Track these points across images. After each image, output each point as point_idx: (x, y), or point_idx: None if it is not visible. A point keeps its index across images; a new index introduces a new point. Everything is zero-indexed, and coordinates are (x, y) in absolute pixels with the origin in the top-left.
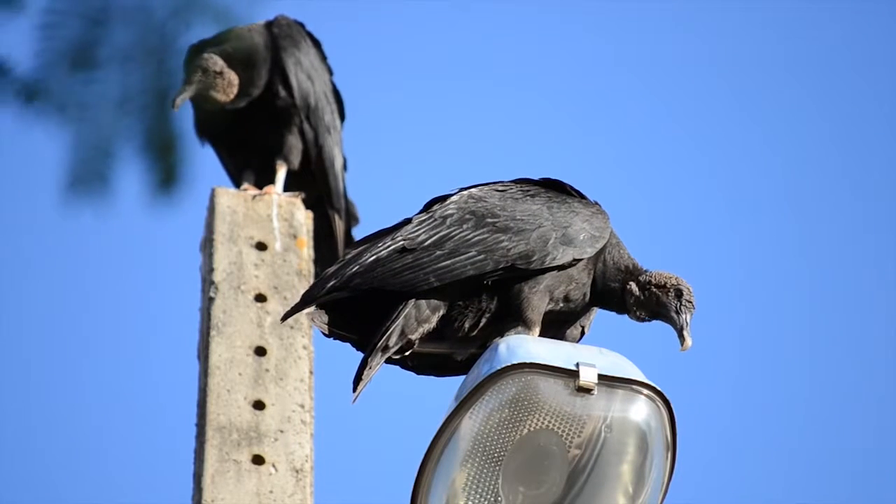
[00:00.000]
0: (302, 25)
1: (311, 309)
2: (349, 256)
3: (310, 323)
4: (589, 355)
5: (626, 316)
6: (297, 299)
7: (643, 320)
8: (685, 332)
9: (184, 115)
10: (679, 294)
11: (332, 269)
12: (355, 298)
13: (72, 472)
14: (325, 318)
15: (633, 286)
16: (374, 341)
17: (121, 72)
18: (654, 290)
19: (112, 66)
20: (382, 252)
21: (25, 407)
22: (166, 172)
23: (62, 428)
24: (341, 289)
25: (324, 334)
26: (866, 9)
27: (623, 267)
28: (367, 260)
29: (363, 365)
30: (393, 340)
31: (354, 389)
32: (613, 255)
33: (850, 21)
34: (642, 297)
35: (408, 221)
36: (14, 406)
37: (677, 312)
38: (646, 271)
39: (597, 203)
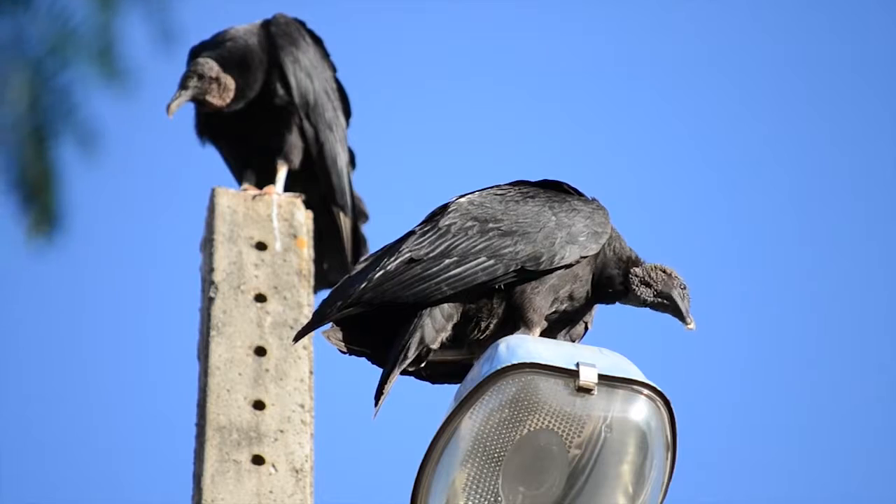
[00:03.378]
0: (302, 23)
1: (327, 327)
2: (354, 273)
3: (325, 341)
4: (589, 355)
5: (624, 312)
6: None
7: (645, 303)
8: (686, 316)
9: (60, 153)
10: (668, 291)
11: (338, 287)
12: (364, 314)
13: (72, 471)
14: (340, 335)
15: (637, 271)
16: (393, 354)
17: None
18: (659, 275)
19: None
20: (390, 266)
21: (26, 407)
22: (40, 211)
23: (62, 428)
24: (353, 305)
25: (341, 352)
26: (867, 9)
27: (625, 258)
28: (375, 275)
29: (384, 379)
30: (412, 352)
31: (376, 404)
32: (615, 247)
33: (851, 18)
34: (648, 278)
35: (411, 234)
36: (14, 406)
37: (680, 296)
38: (643, 264)
39: (595, 199)
